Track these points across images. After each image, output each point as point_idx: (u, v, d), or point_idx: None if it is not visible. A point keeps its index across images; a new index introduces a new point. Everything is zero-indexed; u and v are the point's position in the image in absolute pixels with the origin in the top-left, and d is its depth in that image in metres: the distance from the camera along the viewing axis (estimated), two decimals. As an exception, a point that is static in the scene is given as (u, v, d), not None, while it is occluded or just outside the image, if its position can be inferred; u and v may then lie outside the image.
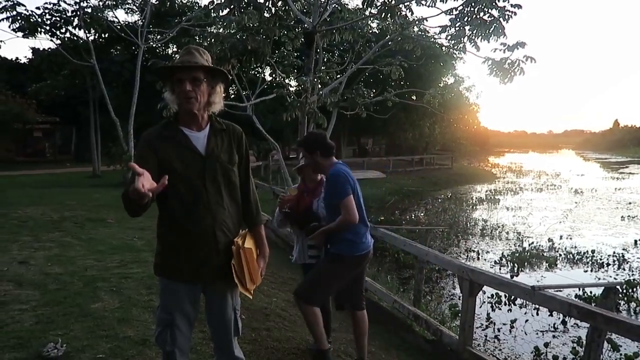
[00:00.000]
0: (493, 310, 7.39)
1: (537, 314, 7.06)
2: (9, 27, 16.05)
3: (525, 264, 10.30)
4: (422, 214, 18.29)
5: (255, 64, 9.41)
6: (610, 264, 10.34)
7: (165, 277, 2.23)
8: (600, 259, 10.64)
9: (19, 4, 15.92)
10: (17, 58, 30.26)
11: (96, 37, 22.40)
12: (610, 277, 9.49)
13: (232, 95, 19.86)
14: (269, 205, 9.97)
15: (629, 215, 16.79)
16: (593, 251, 11.13)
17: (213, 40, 9.13)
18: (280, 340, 3.82)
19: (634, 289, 8.11)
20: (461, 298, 4.18)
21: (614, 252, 11.19)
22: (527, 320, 6.82)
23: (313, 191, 3.72)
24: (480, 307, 7.15)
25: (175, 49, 28.07)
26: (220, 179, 2.18)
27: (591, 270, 9.97)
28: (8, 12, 15.80)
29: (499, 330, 6.67)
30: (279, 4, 9.23)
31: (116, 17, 19.08)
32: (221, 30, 10.47)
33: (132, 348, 3.31)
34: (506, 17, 7.27)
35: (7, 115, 23.39)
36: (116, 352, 3.24)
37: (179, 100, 2.12)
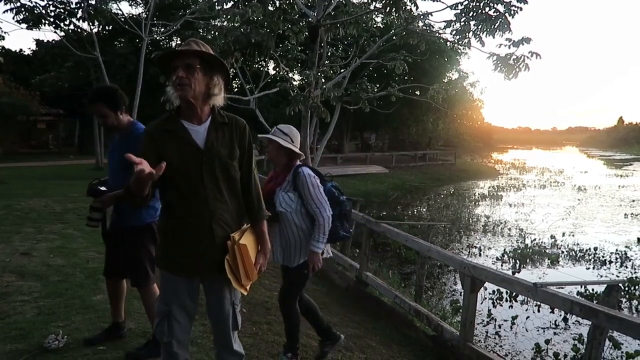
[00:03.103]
0: (494, 306, 7.39)
1: (539, 311, 7.05)
2: (13, 18, 16.11)
3: (527, 260, 10.29)
4: (424, 210, 18.28)
5: (259, 58, 9.37)
6: (612, 262, 10.32)
7: (165, 270, 2.24)
8: (603, 257, 10.62)
9: (23, -5, 15.92)
10: (21, 50, 30.26)
11: (100, 29, 22.39)
12: (613, 274, 9.48)
13: (236, 89, 19.85)
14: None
15: (632, 213, 16.74)
16: (595, 248, 11.12)
17: (217, 33, 9.12)
18: (281, 334, 3.81)
19: (636, 287, 8.10)
20: (462, 294, 4.17)
21: (617, 250, 11.17)
22: (528, 317, 6.81)
23: (276, 178, 3.15)
24: (482, 303, 7.15)
25: (179, 42, 28.01)
26: (218, 173, 2.16)
27: (593, 268, 9.95)
28: (12, 4, 15.81)
29: (500, 326, 6.67)
30: (283, -3, 9.19)
31: (120, 10, 19.15)
32: (225, 23, 10.46)
33: (133, 340, 3.32)
34: (512, 12, 7.22)
35: (12, 107, 23.42)
36: (117, 344, 3.25)
37: (174, 89, 2.10)
